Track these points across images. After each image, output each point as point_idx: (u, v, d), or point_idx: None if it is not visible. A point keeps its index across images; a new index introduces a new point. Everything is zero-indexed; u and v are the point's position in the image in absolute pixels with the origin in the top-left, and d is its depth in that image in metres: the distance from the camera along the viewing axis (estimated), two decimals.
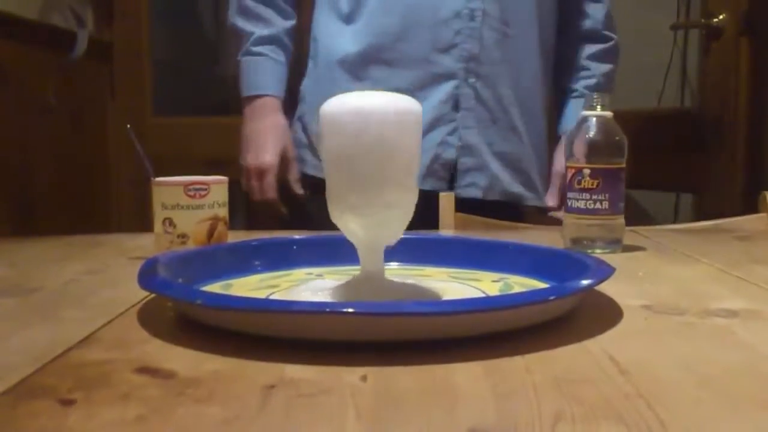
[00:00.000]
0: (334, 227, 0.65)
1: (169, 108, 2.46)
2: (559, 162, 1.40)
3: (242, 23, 1.39)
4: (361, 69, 1.32)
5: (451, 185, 1.34)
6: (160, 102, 2.37)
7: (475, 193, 1.33)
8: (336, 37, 1.34)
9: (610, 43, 1.48)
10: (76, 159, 2.04)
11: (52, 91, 1.87)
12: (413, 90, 1.28)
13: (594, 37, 1.48)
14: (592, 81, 1.46)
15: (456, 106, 1.31)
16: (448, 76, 1.30)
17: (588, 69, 1.47)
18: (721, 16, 1.99)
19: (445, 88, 1.30)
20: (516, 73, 1.35)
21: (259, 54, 1.38)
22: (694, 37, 2.23)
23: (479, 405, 0.42)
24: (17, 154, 1.76)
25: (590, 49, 1.47)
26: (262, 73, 1.39)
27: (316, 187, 1.36)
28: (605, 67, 1.47)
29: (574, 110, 1.40)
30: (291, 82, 1.46)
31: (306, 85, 1.41)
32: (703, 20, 2.07)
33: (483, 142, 1.33)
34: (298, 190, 1.38)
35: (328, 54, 1.35)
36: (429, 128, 1.29)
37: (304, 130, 1.41)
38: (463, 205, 1.26)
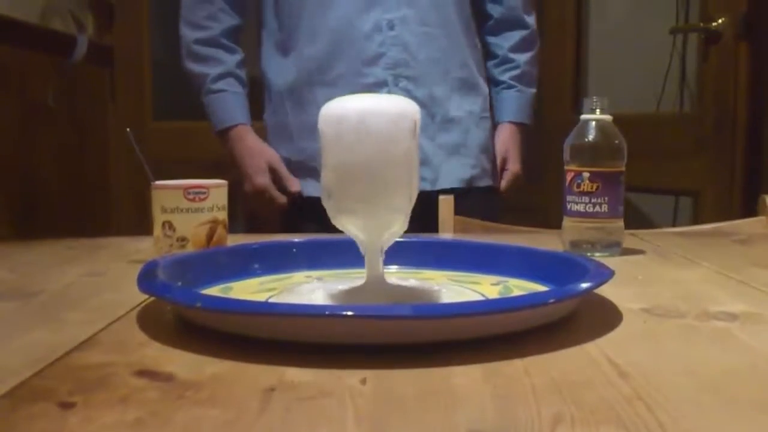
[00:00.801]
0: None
1: (169, 112, 2.46)
2: (499, 145, 1.54)
3: (195, 67, 1.50)
4: (305, 93, 1.42)
5: None
6: (160, 106, 2.38)
7: (423, 185, 1.37)
8: (279, 69, 1.46)
9: (528, 31, 1.57)
10: (77, 163, 2.04)
11: (53, 96, 1.88)
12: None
13: (512, 23, 1.57)
14: (516, 72, 1.56)
15: None
16: (380, 85, 1.39)
17: (512, 61, 1.57)
18: (720, 20, 2.00)
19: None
20: (446, 66, 1.43)
21: (219, 90, 1.48)
22: (693, 42, 2.23)
23: (478, 408, 0.42)
24: (18, 159, 1.76)
25: (511, 39, 1.57)
26: (226, 107, 1.48)
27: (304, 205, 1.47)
28: (527, 56, 1.57)
29: (507, 102, 1.56)
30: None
31: (266, 117, 1.51)
32: (702, 24, 2.07)
33: (423, 137, 1.38)
34: (296, 186, 1.45)
35: (276, 85, 1.47)
36: None
37: (283, 157, 1.49)
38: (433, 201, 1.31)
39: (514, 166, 1.54)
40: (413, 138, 0.63)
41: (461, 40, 1.46)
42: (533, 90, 1.59)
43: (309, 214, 1.38)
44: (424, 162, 1.39)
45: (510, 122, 1.56)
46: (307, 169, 1.43)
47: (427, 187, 1.40)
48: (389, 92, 1.38)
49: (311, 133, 1.41)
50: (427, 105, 1.40)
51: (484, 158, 1.50)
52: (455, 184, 1.44)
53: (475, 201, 1.44)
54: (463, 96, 1.47)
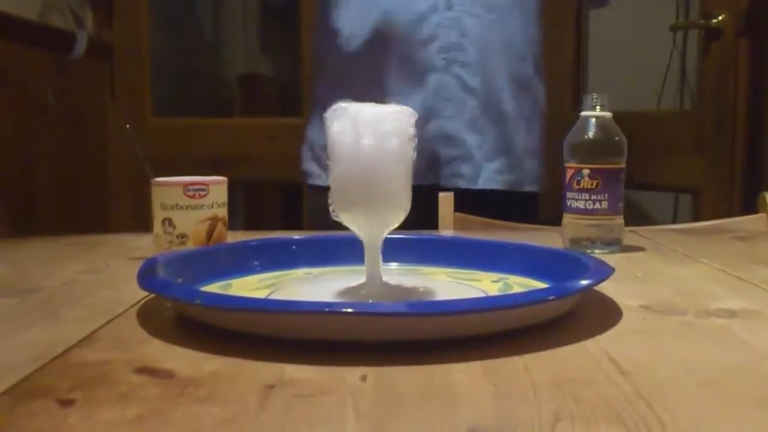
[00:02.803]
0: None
1: (169, 108, 2.46)
2: None
3: None
4: (350, 72, 1.35)
5: (436, 177, 1.34)
6: (160, 102, 2.38)
7: (459, 183, 1.33)
8: (331, 51, 1.38)
9: None
10: (76, 159, 2.04)
11: (52, 92, 1.87)
12: (400, 85, 1.30)
13: None
14: None
15: (440, 98, 1.32)
16: (431, 69, 1.31)
17: None
18: (720, 17, 2.00)
19: (431, 81, 1.32)
20: (503, 57, 1.34)
21: None
22: (693, 38, 2.23)
23: (479, 405, 0.42)
24: (17, 155, 1.75)
25: None
26: None
27: (319, 195, 1.40)
28: None
29: None
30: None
31: (313, 101, 1.45)
32: (702, 21, 2.07)
33: (468, 131, 1.33)
34: None
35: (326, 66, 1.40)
36: (421, 123, 1.30)
37: (310, 145, 1.45)
38: (473, 199, 1.26)
39: None
40: (411, 137, 0.65)
41: (522, 30, 1.37)
42: None
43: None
44: (465, 157, 1.33)
45: None
46: None
47: (464, 185, 1.33)
48: (440, 78, 1.31)
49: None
50: (479, 95, 1.33)
51: (531, 162, 1.40)
52: (496, 186, 1.35)
53: (514, 207, 1.35)
54: (518, 91, 1.37)
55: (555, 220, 0.95)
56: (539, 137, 1.41)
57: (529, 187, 1.40)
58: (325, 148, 1.46)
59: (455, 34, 1.31)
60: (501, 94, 1.35)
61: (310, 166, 1.44)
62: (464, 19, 1.31)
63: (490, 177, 1.35)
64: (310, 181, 1.44)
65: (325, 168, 1.39)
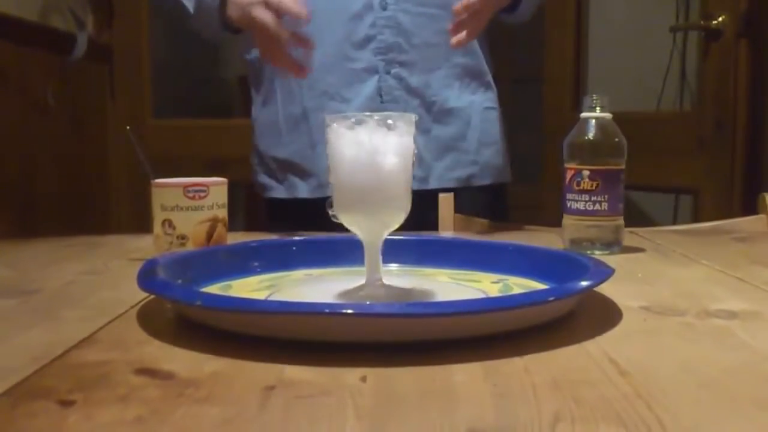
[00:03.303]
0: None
1: (169, 110, 2.46)
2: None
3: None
4: (292, 81, 1.29)
5: None
6: (160, 104, 2.38)
7: (413, 184, 1.29)
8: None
9: None
10: (76, 161, 2.04)
11: (52, 93, 1.87)
12: (339, 90, 1.27)
13: None
14: None
15: (383, 101, 1.28)
16: (369, 71, 1.27)
17: None
18: (720, 18, 2.00)
19: (370, 84, 1.27)
20: (446, 51, 1.28)
21: None
22: (693, 39, 2.23)
23: (478, 406, 0.42)
24: (17, 156, 1.76)
25: None
26: None
27: (279, 207, 1.34)
28: None
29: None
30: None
31: (254, 114, 1.39)
32: (702, 22, 2.07)
33: (417, 131, 1.28)
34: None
35: (265, 72, 1.34)
36: None
37: (259, 157, 1.37)
38: (427, 200, 1.22)
39: None
40: (410, 138, 0.66)
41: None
42: None
43: (294, 215, 1.31)
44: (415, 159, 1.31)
45: None
46: (294, 167, 1.31)
47: (416, 186, 1.29)
48: (380, 79, 1.27)
49: (296, 125, 1.29)
50: (422, 94, 1.28)
51: (488, 153, 1.35)
52: (449, 184, 1.31)
53: (476, 201, 1.31)
54: (467, 84, 1.33)
55: (528, 209, 0.93)
56: (494, 127, 1.36)
57: (486, 180, 1.35)
58: (277, 160, 1.32)
59: (392, 33, 1.26)
60: (445, 89, 1.31)
61: (262, 178, 1.37)
62: (399, 17, 1.26)
63: (441, 175, 1.31)
64: (266, 195, 1.36)
65: (279, 180, 1.34)
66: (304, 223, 1.21)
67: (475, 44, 1.34)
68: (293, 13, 1.11)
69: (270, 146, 1.35)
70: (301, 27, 1.16)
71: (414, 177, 1.26)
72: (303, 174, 1.30)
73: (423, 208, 1.13)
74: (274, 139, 1.34)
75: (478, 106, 1.34)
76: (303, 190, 1.30)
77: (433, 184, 1.30)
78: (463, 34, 1.17)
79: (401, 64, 1.27)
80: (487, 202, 1.34)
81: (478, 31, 1.20)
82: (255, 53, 1.33)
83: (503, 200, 1.41)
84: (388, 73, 1.27)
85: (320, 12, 1.23)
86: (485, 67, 1.37)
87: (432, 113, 1.31)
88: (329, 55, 1.26)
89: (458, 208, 1.23)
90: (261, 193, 1.38)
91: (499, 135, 1.37)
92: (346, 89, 1.27)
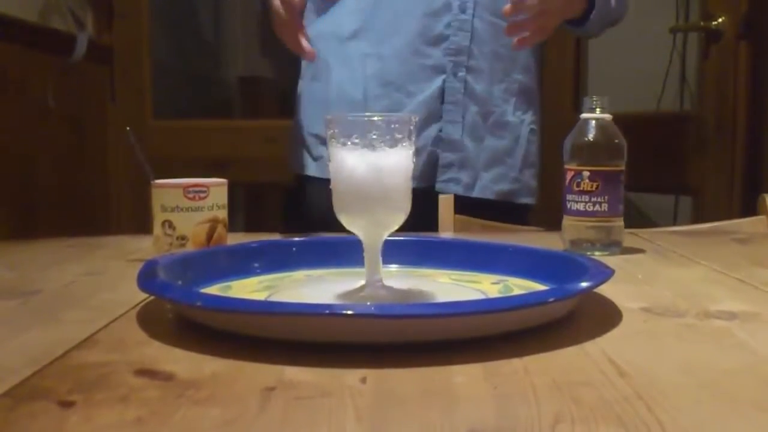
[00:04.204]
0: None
1: (169, 110, 2.46)
2: None
3: None
4: (355, 60, 1.30)
5: (432, 180, 1.32)
6: (160, 104, 2.38)
7: (455, 189, 1.31)
8: (331, 33, 1.33)
9: None
10: (76, 161, 2.04)
11: (52, 94, 1.87)
12: (405, 83, 1.28)
13: None
14: None
15: (446, 101, 1.30)
16: (437, 70, 1.29)
17: None
18: (720, 19, 2.00)
19: (436, 83, 1.30)
20: (509, 66, 1.33)
21: None
22: (693, 41, 2.23)
23: (478, 407, 0.42)
24: (17, 157, 1.76)
25: None
26: None
27: (314, 185, 1.34)
28: None
29: None
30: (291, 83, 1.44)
31: (302, 86, 1.40)
32: (702, 23, 2.07)
33: (469, 137, 1.31)
34: None
35: (324, 38, 1.32)
36: (423, 124, 1.28)
37: (299, 132, 1.39)
38: (464, 206, 1.24)
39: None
40: (410, 140, 0.65)
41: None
42: (612, 3, 1.32)
43: (319, 195, 1.30)
44: (459, 163, 1.31)
45: None
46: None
47: (460, 192, 1.30)
48: (446, 80, 1.28)
49: (352, 108, 1.29)
50: (483, 102, 1.31)
51: (528, 173, 1.38)
52: (491, 196, 1.33)
53: (507, 216, 1.30)
54: (521, 102, 1.36)
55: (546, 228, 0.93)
56: (536, 150, 1.40)
57: (523, 199, 1.38)
58: (319, 137, 1.34)
59: (465, 36, 1.29)
60: (503, 103, 1.34)
61: (297, 152, 1.38)
62: (475, 23, 1.29)
63: (486, 186, 1.33)
64: (297, 171, 1.38)
65: (314, 158, 1.35)
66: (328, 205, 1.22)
67: (532, 63, 1.36)
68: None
69: (314, 122, 1.35)
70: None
71: (459, 181, 1.31)
72: None
73: (426, 209, 1.16)
74: (319, 116, 1.29)
75: (527, 125, 1.37)
76: None
77: (477, 193, 1.32)
78: (525, 34, 1.18)
79: (468, 69, 1.29)
80: (515, 220, 1.33)
81: (544, 34, 1.21)
82: (312, 25, 1.33)
83: (526, 220, 1.41)
84: (454, 75, 1.29)
85: (401, 2, 1.27)
86: (536, 88, 1.39)
87: (488, 123, 1.33)
88: (402, 47, 1.28)
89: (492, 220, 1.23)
90: (293, 168, 1.39)
91: (537, 157, 1.40)
92: (412, 83, 1.29)
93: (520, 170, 1.37)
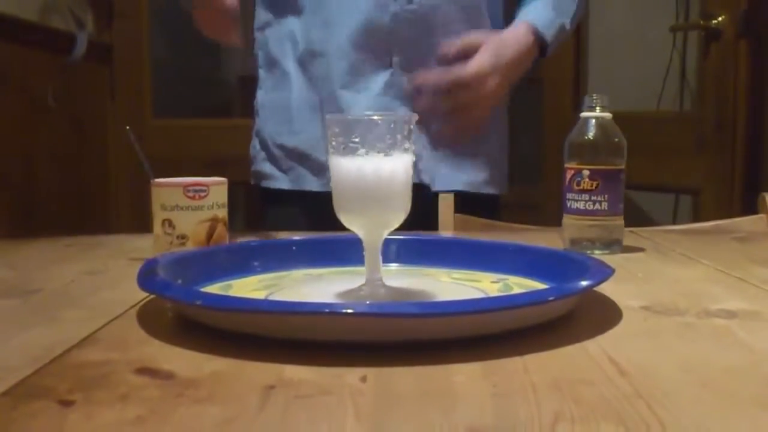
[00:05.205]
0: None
1: (169, 110, 2.46)
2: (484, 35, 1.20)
3: None
4: (308, 65, 1.26)
5: None
6: (160, 104, 2.38)
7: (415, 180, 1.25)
8: (283, 39, 1.29)
9: None
10: (76, 161, 2.04)
11: (52, 93, 1.87)
12: (351, 80, 1.23)
13: None
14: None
15: (395, 96, 1.24)
16: (386, 64, 1.22)
17: None
18: (720, 18, 2.00)
19: (382, 77, 1.23)
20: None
21: None
22: (693, 39, 2.23)
23: (478, 405, 0.42)
24: (17, 156, 1.76)
25: None
26: None
27: (277, 197, 1.29)
28: None
29: (531, 8, 1.26)
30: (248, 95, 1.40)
31: (260, 96, 1.34)
32: (702, 22, 2.07)
33: (421, 130, 1.22)
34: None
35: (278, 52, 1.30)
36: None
37: (263, 144, 1.33)
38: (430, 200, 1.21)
39: (483, 56, 1.15)
40: (410, 140, 0.65)
41: (486, 27, 1.26)
42: (567, 20, 1.27)
43: (295, 206, 1.26)
44: (418, 158, 1.27)
45: (525, 22, 1.23)
46: (302, 157, 1.26)
47: (418, 182, 1.20)
48: (392, 74, 1.23)
49: (312, 113, 1.24)
50: (432, 97, 1.22)
51: (493, 164, 1.31)
52: (455, 187, 1.26)
53: (475, 208, 1.26)
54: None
55: (528, 209, 0.92)
56: (500, 139, 1.33)
57: (489, 190, 1.31)
58: (285, 149, 1.28)
59: (413, 28, 1.22)
60: None
61: (263, 166, 1.32)
62: (423, 13, 1.20)
63: (445, 179, 1.27)
64: (265, 184, 1.31)
65: (284, 170, 1.29)
66: (307, 215, 1.19)
67: None
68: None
69: (277, 133, 1.29)
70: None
71: (416, 176, 1.24)
72: (313, 165, 1.25)
73: (423, 208, 1.14)
74: (283, 126, 1.28)
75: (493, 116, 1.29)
76: (312, 183, 1.25)
77: (438, 187, 1.26)
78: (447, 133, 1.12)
79: (417, 61, 1.23)
80: (485, 211, 1.29)
81: (477, 125, 1.14)
82: (268, 29, 1.29)
83: (498, 213, 1.37)
84: (401, 68, 1.23)
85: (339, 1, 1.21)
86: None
87: (440, 116, 1.24)
88: (342, 41, 1.22)
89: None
90: (258, 181, 1.32)
91: (503, 147, 1.34)
92: (358, 80, 1.23)
93: (483, 160, 1.30)
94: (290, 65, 1.28)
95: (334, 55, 1.23)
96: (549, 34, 1.25)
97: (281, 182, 1.29)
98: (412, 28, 1.22)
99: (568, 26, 1.29)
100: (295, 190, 1.27)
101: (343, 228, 0.68)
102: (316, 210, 0.94)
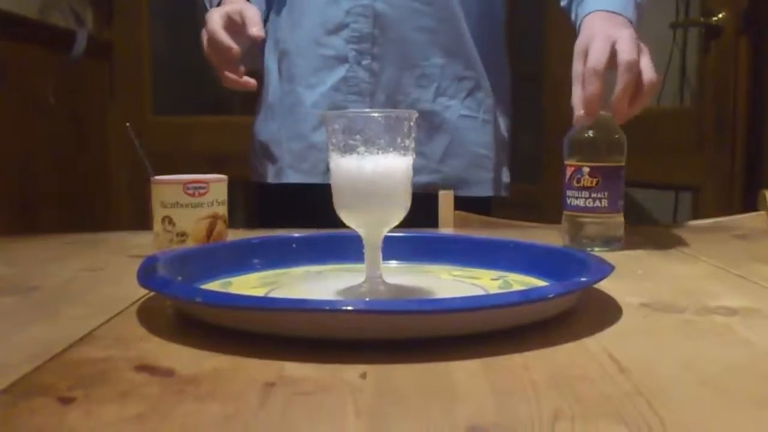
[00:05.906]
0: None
1: (169, 107, 2.46)
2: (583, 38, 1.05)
3: None
4: (278, 60, 1.30)
5: None
6: (160, 101, 2.38)
7: None
8: (269, 39, 1.33)
9: None
10: (76, 158, 2.04)
11: (52, 91, 1.87)
12: (306, 76, 1.25)
13: None
14: None
15: (348, 92, 1.24)
16: (340, 60, 1.22)
17: None
18: (720, 15, 1.99)
19: (339, 73, 1.23)
20: (424, 50, 1.22)
21: None
22: (693, 36, 2.23)
23: (478, 403, 0.42)
24: (17, 153, 1.76)
25: None
26: None
27: (269, 193, 1.32)
28: None
29: None
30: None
31: (262, 93, 1.37)
32: (702, 19, 2.07)
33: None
34: (255, 31, 1.13)
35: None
36: None
37: (252, 139, 1.36)
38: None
39: (648, 73, 0.93)
40: (410, 137, 0.65)
41: (460, 25, 1.23)
42: None
43: (291, 199, 1.29)
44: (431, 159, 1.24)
45: (598, 11, 1.07)
46: (266, 151, 1.31)
47: None
48: (349, 69, 1.22)
49: (271, 109, 1.30)
50: (391, 90, 1.22)
51: (456, 164, 1.26)
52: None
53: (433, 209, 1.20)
54: (445, 88, 1.24)
55: (528, 208, 0.90)
56: (471, 137, 1.27)
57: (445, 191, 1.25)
58: (259, 143, 1.30)
59: (368, 23, 1.21)
60: (417, 90, 1.24)
61: (251, 160, 1.37)
62: (377, 7, 1.20)
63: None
64: (252, 177, 1.36)
65: (255, 164, 1.34)
66: (302, 210, 1.19)
67: (472, 49, 1.26)
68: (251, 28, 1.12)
69: (257, 129, 1.36)
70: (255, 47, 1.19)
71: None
72: (271, 158, 1.30)
73: (422, 206, 1.12)
74: (259, 123, 1.35)
75: (453, 112, 1.26)
76: (269, 175, 1.31)
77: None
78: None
79: (373, 56, 1.21)
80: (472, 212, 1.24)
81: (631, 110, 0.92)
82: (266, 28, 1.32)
83: (488, 214, 1.31)
84: (358, 63, 1.22)
85: None
86: (479, 73, 1.27)
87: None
88: (303, 39, 1.24)
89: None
90: (251, 177, 1.38)
91: (479, 146, 1.28)
92: (312, 75, 1.24)
93: (441, 160, 1.25)
94: (273, 64, 1.33)
95: (296, 53, 1.26)
96: (625, 6, 1.07)
97: (254, 175, 1.35)
98: (367, 22, 1.21)
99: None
100: (284, 184, 1.29)
101: (342, 224, 0.68)
102: (310, 205, 0.96)
